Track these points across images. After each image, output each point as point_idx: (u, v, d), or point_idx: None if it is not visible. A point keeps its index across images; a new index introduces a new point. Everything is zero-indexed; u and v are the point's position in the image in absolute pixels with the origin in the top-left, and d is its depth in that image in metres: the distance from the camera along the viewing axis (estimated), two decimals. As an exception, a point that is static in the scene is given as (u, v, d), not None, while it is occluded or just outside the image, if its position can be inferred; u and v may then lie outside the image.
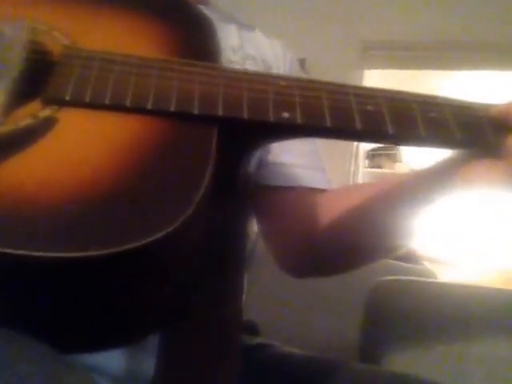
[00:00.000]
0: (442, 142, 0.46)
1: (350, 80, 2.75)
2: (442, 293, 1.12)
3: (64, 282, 0.35)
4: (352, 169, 3.03)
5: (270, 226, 0.69)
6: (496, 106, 0.47)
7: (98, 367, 0.53)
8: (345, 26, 2.83)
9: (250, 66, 0.68)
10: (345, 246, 0.63)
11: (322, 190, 0.68)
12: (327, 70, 2.65)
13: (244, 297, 0.61)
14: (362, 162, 3.84)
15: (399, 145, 0.47)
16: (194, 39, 0.52)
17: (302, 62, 2.64)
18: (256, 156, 0.66)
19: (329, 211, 0.64)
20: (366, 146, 3.84)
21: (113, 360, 0.54)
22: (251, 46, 0.71)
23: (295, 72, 0.74)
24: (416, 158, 4.08)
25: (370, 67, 2.94)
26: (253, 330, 0.75)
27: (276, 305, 1.36)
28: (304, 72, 0.77)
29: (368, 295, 1.15)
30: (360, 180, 3.36)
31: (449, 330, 1.03)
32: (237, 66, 0.63)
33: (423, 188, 0.53)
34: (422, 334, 1.06)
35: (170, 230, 0.35)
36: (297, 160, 0.68)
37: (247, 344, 0.69)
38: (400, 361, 1.02)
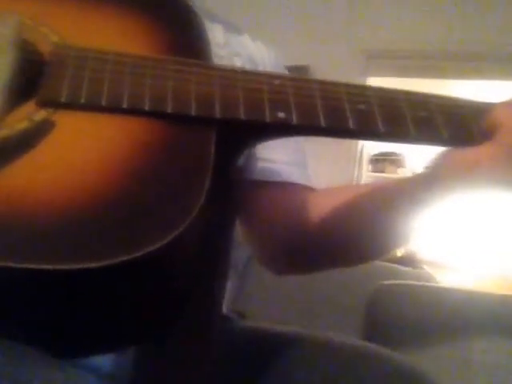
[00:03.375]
0: (430, 140, 0.47)
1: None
2: (442, 297, 1.12)
3: (60, 292, 0.35)
4: (355, 173, 3.03)
5: (254, 220, 0.68)
6: (487, 109, 0.48)
7: (89, 365, 0.52)
8: (348, 35, 2.83)
9: (238, 63, 0.68)
10: (330, 243, 0.63)
11: (308, 188, 0.69)
12: (330, 77, 2.65)
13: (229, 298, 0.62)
14: (366, 166, 3.83)
15: (390, 142, 0.48)
16: (184, 36, 0.52)
17: (305, 69, 2.64)
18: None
19: (316, 208, 0.64)
20: (369, 151, 3.84)
21: (103, 358, 0.54)
22: (237, 45, 0.71)
23: (280, 70, 0.74)
24: (419, 163, 4.07)
25: (373, 75, 2.93)
26: (239, 314, 0.75)
27: (275, 309, 1.35)
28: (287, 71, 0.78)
29: (368, 300, 1.16)
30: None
31: (449, 335, 1.03)
32: (225, 61, 0.63)
33: (412, 191, 0.53)
34: (421, 339, 1.06)
35: (172, 237, 0.34)
36: (283, 156, 0.68)
37: (234, 327, 0.69)
38: None
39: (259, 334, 0.68)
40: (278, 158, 0.68)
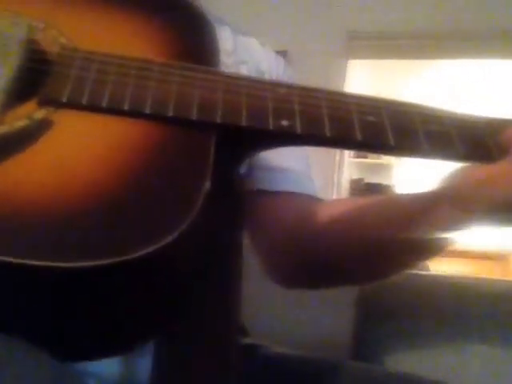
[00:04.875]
0: (444, 156, 0.45)
1: (335, 70, 2.73)
2: (436, 285, 1.10)
3: (62, 291, 0.35)
4: (337, 158, 3.02)
5: (257, 231, 0.65)
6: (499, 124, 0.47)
7: (93, 372, 0.52)
8: (328, 16, 2.81)
9: (244, 71, 0.67)
10: (336, 255, 0.60)
11: (313, 197, 0.67)
12: (310, 60, 2.62)
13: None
14: (348, 152, 3.82)
15: (400, 156, 0.44)
16: (194, 41, 0.52)
17: (283, 55, 2.60)
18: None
19: (321, 219, 0.62)
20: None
21: (107, 365, 0.53)
22: (245, 52, 0.70)
23: (286, 78, 0.72)
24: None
25: (355, 57, 2.93)
26: (241, 330, 0.71)
27: (263, 301, 1.32)
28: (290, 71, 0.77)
29: (360, 289, 1.13)
30: (345, 170, 3.35)
31: (444, 324, 1.01)
32: (231, 70, 0.62)
33: (421, 208, 0.50)
34: (416, 329, 1.04)
35: (169, 240, 0.34)
36: (287, 165, 0.66)
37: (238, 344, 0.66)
38: (394, 357, 1.00)
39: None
40: (281, 166, 0.66)
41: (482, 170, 0.44)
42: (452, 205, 0.46)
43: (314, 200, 0.66)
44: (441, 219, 0.48)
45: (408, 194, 0.57)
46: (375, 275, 0.62)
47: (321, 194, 0.70)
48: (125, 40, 0.50)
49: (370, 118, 0.45)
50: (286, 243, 0.64)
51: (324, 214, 0.62)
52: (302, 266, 0.63)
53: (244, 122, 0.43)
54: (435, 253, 0.53)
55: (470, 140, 0.45)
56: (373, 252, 0.57)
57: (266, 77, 0.70)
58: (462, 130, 0.46)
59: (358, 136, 0.43)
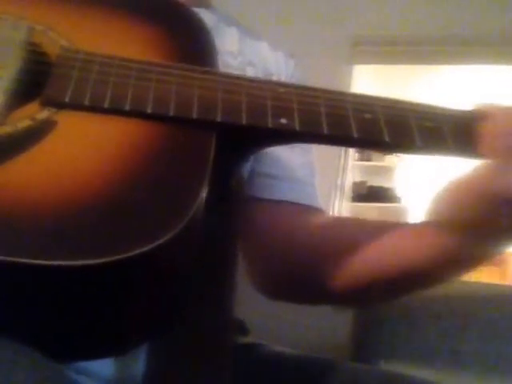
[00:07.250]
0: (437, 151, 0.47)
1: (340, 76, 2.73)
2: (434, 289, 1.11)
3: (57, 290, 0.35)
4: (342, 162, 3.01)
5: (248, 239, 0.64)
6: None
7: (87, 370, 0.52)
8: (334, 22, 2.80)
9: (251, 73, 0.67)
10: (326, 277, 0.58)
11: (310, 207, 0.65)
12: (316, 66, 2.63)
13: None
14: (352, 155, 3.83)
15: (396, 153, 0.47)
16: (191, 43, 0.53)
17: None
18: (248, 164, 0.64)
19: (317, 239, 0.61)
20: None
21: (102, 363, 0.53)
22: (252, 53, 0.70)
23: (297, 78, 0.72)
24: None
25: (360, 62, 2.93)
26: (242, 329, 0.71)
27: (264, 302, 1.32)
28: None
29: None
30: (348, 173, 3.34)
31: (442, 326, 1.02)
32: (236, 72, 0.62)
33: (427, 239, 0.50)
34: (414, 330, 1.05)
35: (166, 238, 0.34)
36: (286, 172, 0.66)
37: (237, 344, 0.65)
38: (392, 359, 1.01)
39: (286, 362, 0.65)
40: (280, 173, 0.65)
41: (452, 185, 0.46)
42: (439, 229, 0.47)
43: (312, 210, 0.65)
44: (433, 247, 0.49)
45: (399, 223, 0.57)
46: (364, 302, 0.63)
47: (324, 197, 0.70)
48: (123, 42, 0.51)
49: (366, 116, 0.46)
50: (276, 253, 0.62)
51: (318, 232, 0.61)
52: (289, 278, 0.62)
53: (244, 121, 0.44)
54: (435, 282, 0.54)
55: (462, 135, 0.47)
56: (362, 279, 0.55)
57: (275, 78, 0.69)
58: (455, 125, 0.47)
59: (354, 133, 0.45)
